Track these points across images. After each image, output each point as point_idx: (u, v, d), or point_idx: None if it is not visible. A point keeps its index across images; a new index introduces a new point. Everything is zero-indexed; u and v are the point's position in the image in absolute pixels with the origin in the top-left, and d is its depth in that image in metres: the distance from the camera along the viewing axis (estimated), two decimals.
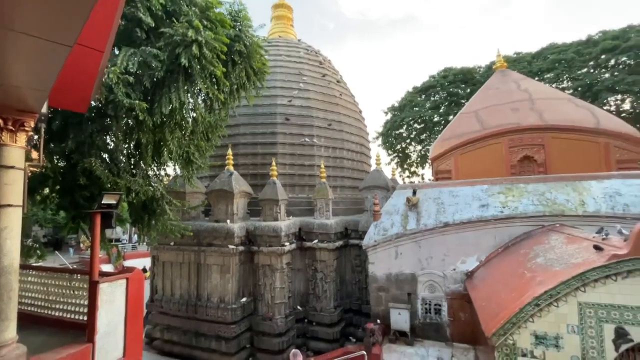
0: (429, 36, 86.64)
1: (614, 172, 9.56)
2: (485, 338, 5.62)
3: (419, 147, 34.95)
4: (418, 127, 34.18)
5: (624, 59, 24.08)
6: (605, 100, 23.84)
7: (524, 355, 5.26)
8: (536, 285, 5.50)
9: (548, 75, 26.92)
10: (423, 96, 34.33)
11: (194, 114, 6.84)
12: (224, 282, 11.59)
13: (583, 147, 11.35)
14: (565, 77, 26.47)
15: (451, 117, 26.75)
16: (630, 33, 23.77)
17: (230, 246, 11.46)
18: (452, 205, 10.14)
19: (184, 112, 6.21)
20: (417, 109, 33.50)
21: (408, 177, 36.82)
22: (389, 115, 36.32)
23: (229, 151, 13.06)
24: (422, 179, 35.43)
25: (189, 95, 5.83)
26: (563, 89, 24.90)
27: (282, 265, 12.00)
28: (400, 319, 9.78)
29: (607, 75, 24.42)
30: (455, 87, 32.29)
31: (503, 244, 9.09)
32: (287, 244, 12.10)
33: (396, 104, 35.85)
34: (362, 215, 14.22)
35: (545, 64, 26.94)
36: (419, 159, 35.11)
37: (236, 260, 11.77)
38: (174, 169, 8.05)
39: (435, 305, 9.92)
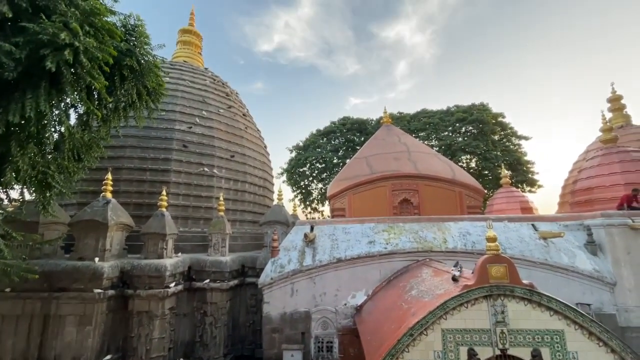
0: (330, 86, 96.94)
1: (465, 215, 11.92)
2: None
3: (320, 185, 36.98)
4: (320, 166, 36.42)
5: (470, 128, 31.46)
6: (459, 158, 30.23)
7: None
8: (411, 316, 6.14)
9: (421, 134, 32.89)
10: (325, 139, 37.16)
11: (62, 128, 5.69)
12: (82, 337, 9.27)
13: (444, 193, 13.95)
14: (433, 136, 32.77)
15: (348, 160, 29.55)
16: (473, 110, 31.42)
17: (96, 290, 9.40)
18: (344, 241, 10.80)
19: (46, 124, 5.11)
20: (319, 150, 35.90)
21: (310, 213, 38.12)
22: (294, 154, 37.83)
23: (109, 175, 11.22)
24: (322, 215, 37.16)
25: (53, 105, 4.85)
26: (432, 146, 30.60)
27: (163, 310, 10.39)
28: None
29: (460, 139, 31.31)
30: (351, 134, 36.17)
31: (386, 278, 10.01)
32: (172, 285, 10.65)
33: (301, 144, 37.73)
34: (261, 252, 13.80)
35: (419, 125, 32.96)
36: (319, 197, 36.95)
37: (103, 307, 9.67)
38: (29, 193, 6.36)
39: (328, 342, 10.01)
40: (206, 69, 19.09)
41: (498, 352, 5.74)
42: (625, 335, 9.16)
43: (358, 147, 28.26)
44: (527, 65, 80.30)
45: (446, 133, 32.38)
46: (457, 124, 31.76)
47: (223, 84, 18.66)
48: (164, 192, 11.87)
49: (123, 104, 6.32)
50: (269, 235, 13.14)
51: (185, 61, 18.37)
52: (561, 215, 12.04)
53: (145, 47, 6.30)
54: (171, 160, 13.84)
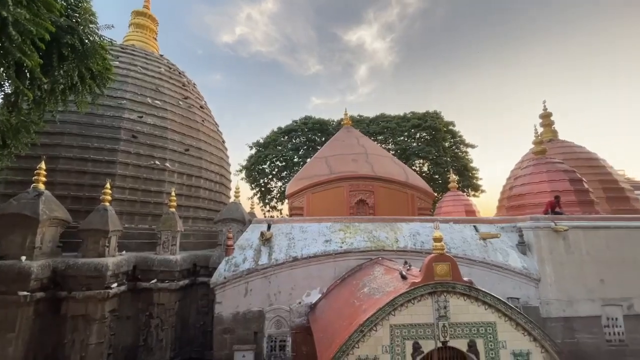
0: (292, 84, 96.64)
1: (415, 216, 12.60)
2: None
3: (280, 184, 36.68)
4: (280, 164, 36.11)
5: (424, 134, 33.29)
6: (413, 162, 31.87)
7: None
8: (362, 313, 6.36)
9: (380, 137, 34.11)
10: (286, 137, 36.93)
11: None
12: (2, 346, 8.24)
13: (398, 195, 14.65)
14: (390, 140, 34.16)
15: (309, 159, 29.67)
16: (427, 117, 33.29)
17: (21, 293, 8.42)
18: (301, 240, 10.85)
19: None
20: (280, 148, 35.60)
21: (269, 211, 37.66)
22: (254, 150, 37.09)
23: (42, 165, 10.08)
24: (281, 214, 36.91)
25: None
26: (389, 149, 31.85)
27: (103, 313, 9.61)
28: None
29: (414, 144, 33.02)
30: (313, 134, 36.39)
31: (341, 276, 10.24)
32: (114, 285, 9.89)
33: (261, 141, 37.10)
34: (214, 250, 13.33)
35: (378, 128, 34.14)
36: (279, 195, 36.65)
37: (29, 312, 8.70)
38: None
39: (281, 341, 9.98)
40: (161, 55, 17.97)
41: (440, 345, 6.17)
42: (546, 325, 10.34)
43: (319, 147, 28.49)
44: (476, 77, 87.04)
45: (402, 138, 33.93)
46: (412, 130, 33.44)
47: (180, 73, 17.71)
48: (107, 185, 10.96)
49: (62, 86, 5.72)
50: (223, 234, 12.75)
51: (134, 44, 17.09)
52: (498, 218, 13.25)
53: (90, 25, 5.75)
54: (118, 151, 12.82)
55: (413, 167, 30.98)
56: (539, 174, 13.73)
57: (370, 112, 39.80)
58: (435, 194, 29.46)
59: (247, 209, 16.49)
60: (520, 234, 11.52)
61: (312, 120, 36.71)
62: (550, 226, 10.98)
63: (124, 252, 11.19)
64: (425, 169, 32.93)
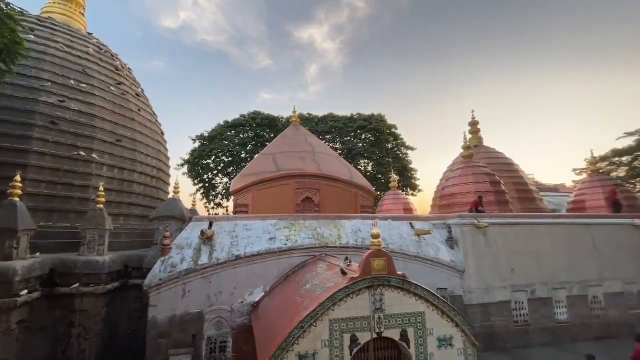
0: (241, 78, 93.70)
1: (358, 214, 13.16)
2: None
3: (225, 180, 35.33)
4: (226, 160, 34.78)
5: (369, 135, 34.76)
6: (359, 162, 33.11)
7: None
8: (303, 309, 6.48)
9: (328, 136, 34.76)
10: (233, 132, 35.67)
11: None
12: None
13: (343, 194, 15.15)
14: (338, 140, 35.02)
15: (257, 155, 29.09)
16: (372, 119, 34.83)
17: None
18: (245, 238, 10.64)
19: None
20: (226, 142, 34.27)
21: (213, 208, 36.08)
22: (197, 144, 35.16)
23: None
24: (227, 211, 35.62)
25: None
26: (336, 149, 32.66)
27: (9, 325, 8.37)
28: None
29: (360, 144, 34.32)
30: (262, 130, 35.69)
31: (285, 274, 10.28)
32: (24, 292, 8.65)
33: (206, 134, 35.32)
34: (149, 250, 12.39)
35: (326, 128, 34.77)
36: (225, 192, 35.30)
37: None
38: None
39: (221, 342, 9.70)
40: (90, 34, 16.08)
41: (375, 336, 6.56)
42: (468, 311, 11.60)
43: (268, 143, 28.10)
44: (417, 84, 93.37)
45: (349, 138, 35.01)
46: (359, 131, 34.69)
47: (112, 55, 16.03)
48: (17, 178, 9.52)
49: None
50: (160, 232, 11.91)
51: (57, 19, 15.04)
52: (431, 216, 14.45)
53: None
54: (32, 139, 11.22)
55: (359, 167, 32.20)
56: (466, 176, 15.29)
57: (319, 111, 40.38)
58: (378, 193, 31.02)
59: (189, 206, 15.68)
60: (449, 231, 12.71)
61: (261, 115, 35.97)
62: (474, 223, 12.31)
63: (38, 254, 9.84)
64: (369, 168, 34.42)
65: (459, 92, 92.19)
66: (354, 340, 6.39)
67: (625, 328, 12.61)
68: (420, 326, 6.84)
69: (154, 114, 17.31)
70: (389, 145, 35.40)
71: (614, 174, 29.58)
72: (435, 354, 6.80)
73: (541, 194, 19.06)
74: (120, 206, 13.32)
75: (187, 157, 34.78)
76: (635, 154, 31.40)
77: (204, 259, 9.92)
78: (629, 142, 30.71)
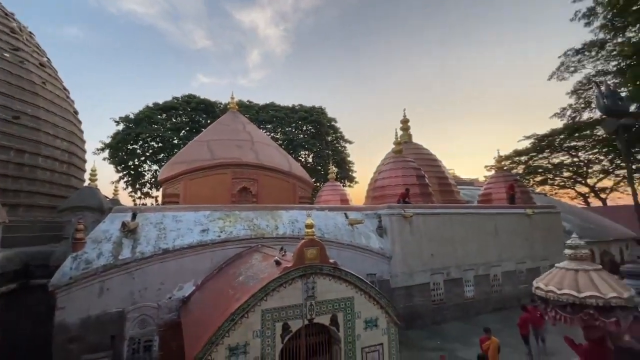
0: (175, 57, 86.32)
1: (295, 205, 13.30)
2: None
3: (155, 167, 32.50)
4: (156, 145, 31.96)
5: (310, 127, 35.11)
6: (299, 153, 33.29)
7: None
8: (235, 301, 6.38)
9: (269, 126, 34.16)
10: (164, 115, 32.86)
11: None
12: None
13: (281, 184, 15.12)
14: (279, 130, 34.66)
15: (190, 142, 27.25)
16: (313, 111, 35.20)
17: None
18: (174, 230, 9.99)
19: None
20: (156, 126, 31.43)
21: (140, 198, 33.00)
22: (122, 126, 31.58)
23: None
24: (157, 202, 32.87)
25: None
26: (276, 139, 32.31)
27: None
28: None
29: (301, 136, 34.48)
30: (197, 115, 33.49)
31: (218, 266, 9.95)
32: None
33: (132, 116, 31.89)
34: (58, 245, 10.88)
35: (267, 117, 34.11)
36: (153, 180, 32.48)
37: None
38: None
39: (146, 341, 9.05)
40: None
41: (306, 322, 6.78)
42: (394, 294, 12.66)
43: (204, 130, 26.56)
44: (357, 80, 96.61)
45: (290, 129, 34.91)
46: (300, 122, 34.80)
47: (6, 14, 13.38)
48: None
49: None
50: (72, 225, 10.52)
51: None
52: (364, 206, 15.29)
53: None
54: None
55: (299, 158, 32.37)
56: (396, 170, 16.47)
57: (260, 100, 39.25)
58: (317, 184, 31.66)
59: (110, 195, 14.12)
60: (379, 220, 13.62)
61: (196, 99, 33.70)
62: (401, 213, 13.38)
63: None
64: (310, 160, 34.87)
65: (396, 89, 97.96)
66: (285, 328, 6.52)
67: (515, 300, 15.07)
68: (349, 310, 7.26)
69: (65, 89, 15.03)
70: (329, 138, 36.24)
71: (514, 171, 34.63)
72: (362, 335, 7.31)
73: (459, 187, 21.47)
74: (19, 195, 11.41)
75: (108, 140, 31.06)
76: (531, 154, 37.30)
77: (125, 253, 9.07)
78: (527, 144, 36.33)
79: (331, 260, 7.23)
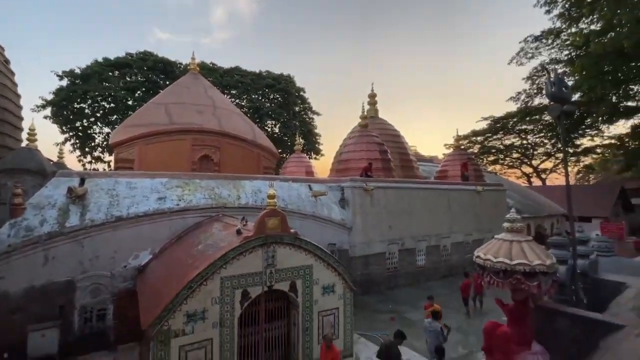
0: (128, 7, 77.46)
1: (259, 175, 13.13)
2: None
3: (107, 129, 30.01)
4: (107, 106, 29.31)
5: (277, 96, 34.04)
6: (266, 122, 32.40)
7: (177, 335, 5.86)
8: (193, 270, 6.34)
9: (234, 91, 32.55)
10: (117, 73, 29.93)
11: None
12: None
13: (245, 153, 14.74)
14: (244, 97, 33.21)
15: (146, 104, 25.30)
16: (281, 79, 34.00)
17: None
18: (128, 197, 9.49)
19: None
20: (107, 84, 28.63)
21: (91, 162, 30.59)
22: (66, 82, 28.35)
23: None
24: (109, 166, 30.70)
25: None
26: (241, 106, 31.04)
27: None
28: (44, 342, 7.78)
29: (268, 104, 33.40)
30: (155, 74, 30.94)
31: (176, 235, 9.73)
32: None
33: (78, 71, 28.66)
34: None
35: (232, 82, 32.40)
36: (105, 143, 30.10)
37: None
38: None
39: (99, 310, 8.81)
40: None
41: (266, 289, 6.96)
42: (352, 262, 13.31)
43: (162, 91, 24.74)
44: (329, 50, 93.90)
45: (256, 96, 33.58)
46: (267, 89, 33.54)
47: None
48: None
49: None
50: (8, 188, 9.60)
51: None
52: (328, 178, 15.52)
53: None
54: None
55: (265, 127, 31.55)
56: (360, 144, 16.73)
57: (225, 63, 36.97)
58: (283, 155, 31.36)
59: (54, 158, 12.95)
60: (342, 192, 13.95)
61: (153, 57, 30.94)
62: (363, 186, 13.78)
63: None
64: (276, 130, 34.15)
65: (366, 64, 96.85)
66: (245, 294, 6.66)
67: (461, 268, 16.57)
68: (307, 277, 7.55)
69: None
70: (297, 108, 35.52)
71: (470, 150, 36.71)
72: (319, 300, 7.68)
73: (419, 163, 22.42)
74: None
75: (50, 97, 27.86)
76: (486, 135, 39.63)
77: (73, 221, 8.50)
78: (484, 125, 38.41)
79: (292, 230, 7.36)
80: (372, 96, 21.14)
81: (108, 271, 8.85)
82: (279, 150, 28.96)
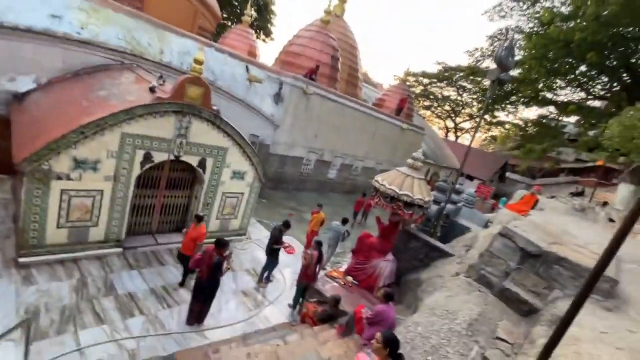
0: None
1: (191, 34, 11.18)
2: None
3: None
4: None
5: None
6: None
7: (60, 178, 5.40)
8: (87, 115, 5.56)
9: None
10: None
11: None
12: None
13: (179, 2, 12.15)
14: None
15: None
16: None
17: None
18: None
19: None
20: None
21: None
22: None
23: None
24: None
25: None
26: None
27: None
28: None
29: None
30: None
31: (74, 71, 8.15)
32: None
33: None
34: None
35: None
36: None
37: None
38: None
39: None
40: None
41: (172, 158, 6.71)
42: (269, 158, 13.59)
43: None
44: None
45: None
46: None
47: None
48: None
49: None
50: None
51: None
52: (270, 67, 14.33)
53: None
54: None
55: None
56: (315, 41, 15.42)
57: None
58: (227, 23, 27.13)
59: None
60: (280, 87, 13.24)
61: None
62: (303, 88, 13.26)
63: None
64: None
65: None
66: (147, 157, 6.33)
67: (362, 189, 18.67)
68: (220, 159, 7.49)
69: None
70: None
71: (413, 89, 37.80)
72: (226, 182, 7.86)
73: (363, 84, 22.27)
74: None
75: None
76: (432, 80, 40.82)
77: None
78: (436, 69, 39.03)
79: (215, 107, 6.89)
80: None
81: None
82: (223, 16, 24.85)
